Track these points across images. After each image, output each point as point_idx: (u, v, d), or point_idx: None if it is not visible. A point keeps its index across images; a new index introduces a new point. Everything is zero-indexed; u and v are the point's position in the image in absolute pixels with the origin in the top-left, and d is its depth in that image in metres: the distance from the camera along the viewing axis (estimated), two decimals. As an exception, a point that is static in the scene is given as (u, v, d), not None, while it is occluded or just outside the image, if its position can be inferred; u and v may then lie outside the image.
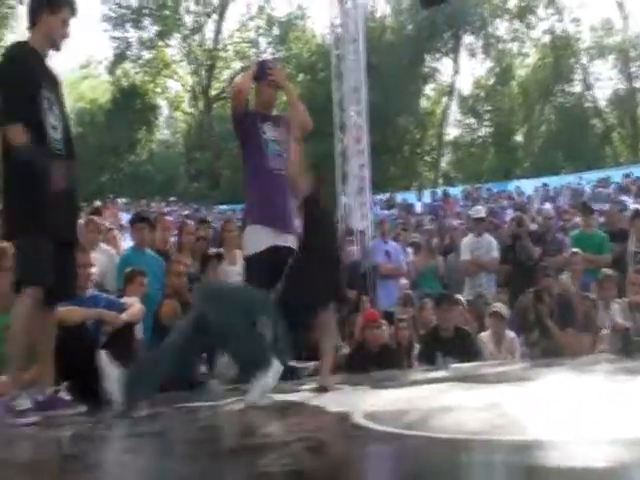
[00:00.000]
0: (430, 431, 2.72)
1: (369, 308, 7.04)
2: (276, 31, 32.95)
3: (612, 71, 32.07)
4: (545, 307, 6.41)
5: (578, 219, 9.87)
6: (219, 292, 4.22)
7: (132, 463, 2.69)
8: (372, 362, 5.58)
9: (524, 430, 2.67)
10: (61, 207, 3.74)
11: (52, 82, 3.93)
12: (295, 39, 32.78)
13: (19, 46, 3.93)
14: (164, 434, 3.26)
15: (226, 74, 32.95)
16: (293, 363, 5.21)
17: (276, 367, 3.75)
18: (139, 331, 5.15)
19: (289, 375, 4.98)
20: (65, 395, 3.98)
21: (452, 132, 34.20)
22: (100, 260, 6.13)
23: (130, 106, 30.48)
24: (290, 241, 4.93)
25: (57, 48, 3.92)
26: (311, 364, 5.59)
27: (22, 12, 27.56)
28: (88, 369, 4.39)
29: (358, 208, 11.88)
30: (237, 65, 32.46)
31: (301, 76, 30.25)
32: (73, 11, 3.95)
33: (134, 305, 4.92)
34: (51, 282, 3.68)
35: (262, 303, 4.04)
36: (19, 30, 27.15)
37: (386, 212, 13.94)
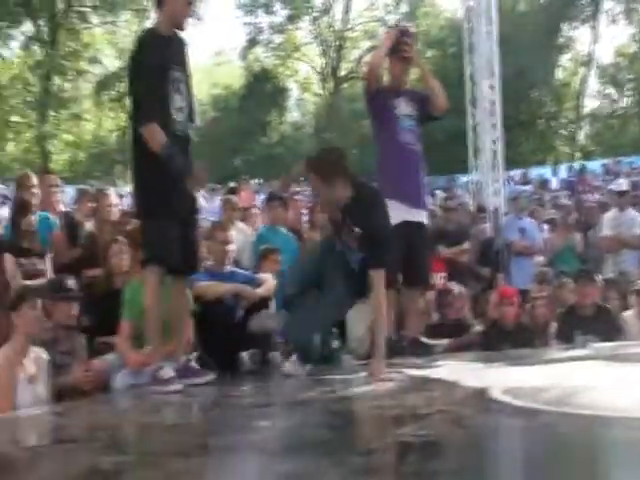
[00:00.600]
0: (570, 408, 2.66)
1: (503, 286, 6.91)
2: (404, 8, 32.57)
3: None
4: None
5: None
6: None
7: (274, 429, 2.80)
8: (507, 340, 5.48)
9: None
10: (184, 190, 3.85)
11: (180, 60, 3.95)
12: (424, 15, 32.28)
13: (147, 34, 4.01)
14: (303, 403, 3.37)
15: (355, 54, 32.96)
16: (425, 340, 5.21)
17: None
18: (272, 306, 5.31)
19: (421, 352, 5.00)
20: (195, 364, 4.20)
21: (590, 104, 32.64)
22: (237, 238, 6.36)
23: (261, 90, 31.16)
24: (421, 216, 4.92)
25: (182, 28, 3.94)
26: (444, 341, 5.57)
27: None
28: (225, 340, 4.62)
29: (491, 184, 11.64)
30: (365, 44, 32.37)
31: (430, 52, 29.76)
32: None
33: (268, 281, 5.09)
34: (176, 262, 3.83)
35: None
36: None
37: (520, 188, 13.52)
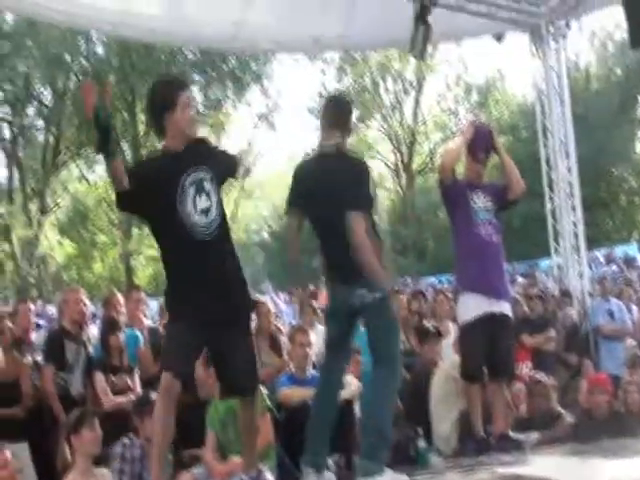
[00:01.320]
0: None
1: (593, 372, 6.69)
2: (475, 97, 33.04)
3: None
4: None
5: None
6: None
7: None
8: (601, 430, 5.26)
9: None
10: (208, 291, 3.55)
11: (202, 160, 3.67)
12: (495, 102, 32.65)
13: (146, 159, 4.06)
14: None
15: (427, 147, 33.41)
16: (514, 434, 5.07)
17: None
18: (357, 409, 5.31)
19: (511, 447, 4.87)
20: (269, 475, 4.02)
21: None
22: (318, 341, 6.44)
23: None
24: (505, 308, 4.91)
25: (192, 133, 3.71)
26: (534, 434, 5.40)
27: (237, 117, 30.33)
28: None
29: (573, 267, 11.38)
30: (437, 137, 32.82)
31: (503, 138, 29.91)
32: (184, 87, 3.74)
33: (352, 383, 5.12)
34: (181, 369, 3.49)
35: None
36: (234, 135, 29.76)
37: (605, 269, 13.21)
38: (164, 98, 3.61)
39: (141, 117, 27.03)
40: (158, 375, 3.60)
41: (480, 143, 4.98)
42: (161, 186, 3.52)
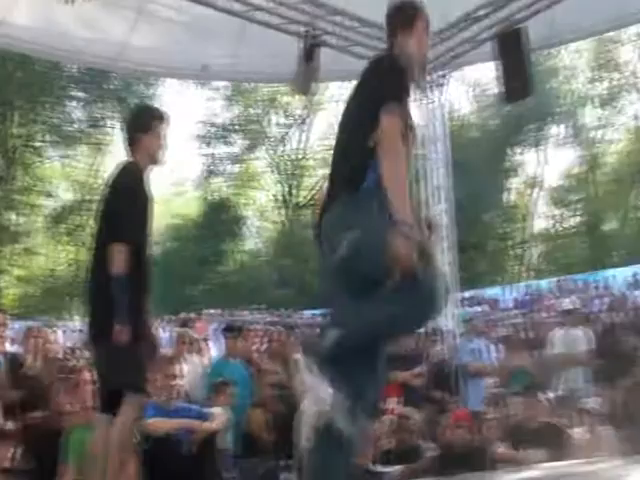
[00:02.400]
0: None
1: (457, 408, 6.93)
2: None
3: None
4: (638, 401, 6.13)
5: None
6: None
7: None
8: (460, 464, 5.45)
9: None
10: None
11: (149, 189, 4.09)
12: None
13: (134, 165, 4.09)
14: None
15: (312, 182, 33.90)
16: (376, 468, 5.17)
17: None
18: (225, 440, 5.26)
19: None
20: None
21: (540, 224, 33.77)
22: (190, 370, 6.34)
23: (218, 219, 31.67)
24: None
25: (157, 162, 4.13)
26: (397, 468, 5.53)
27: (120, 138, 29.65)
28: (175, 476, 4.54)
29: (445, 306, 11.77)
30: (322, 172, 33.37)
31: (383, 178, 30.78)
32: (165, 120, 4.18)
33: (219, 415, 5.07)
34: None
35: None
36: (119, 155, 29.00)
37: (473, 309, 13.77)
38: (143, 122, 4.09)
39: (14, 131, 25.96)
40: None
41: None
42: None
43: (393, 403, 7.35)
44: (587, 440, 5.84)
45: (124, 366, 3.69)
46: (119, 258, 3.74)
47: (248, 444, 5.90)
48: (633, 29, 27.02)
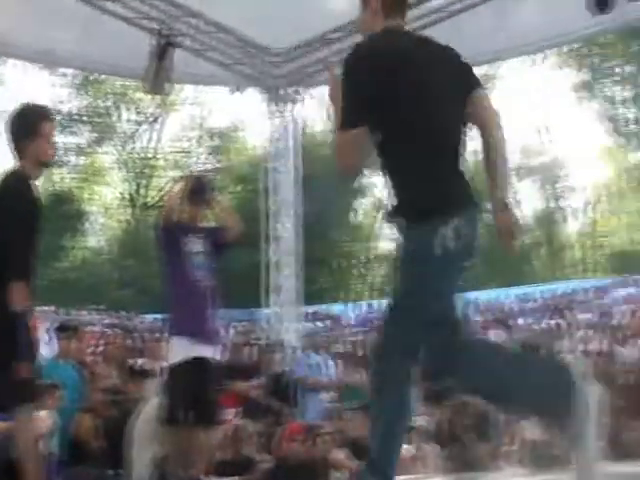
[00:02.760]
0: None
1: (292, 421, 7.01)
2: (216, 141, 33.56)
3: (534, 190, 33.72)
4: (463, 420, 6.49)
5: (499, 334, 10.16)
6: None
7: None
8: (294, 476, 5.51)
9: None
10: None
11: None
12: (234, 150, 33.45)
13: (20, 175, 3.87)
14: None
15: (161, 182, 33.18)
16: (210, 479, 5.12)
17: None
18: (50, 445, 5.02)
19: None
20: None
21: (384, 246, 34.96)
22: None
23: (58, 212, 30.21)
24: (211, 352, 4.96)
25: (48, 166, 4.05)
26: (231, 479, 5.50)
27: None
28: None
29: (287, 320, 11.93)
30: (172, 174, 32.74)
31: (238, 187, 30.71)
32: (50, 118, 4.05)
33: (44, 418, 4.85)
34: None
35: None
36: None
37: (315, 324, 14.00)
38: (28, 126, 3.85)
39: None
40: None
41: (198, 191, 5.05)
42: None
43: (230, 414, 7.33)
44: (413, 457, 6.09)
45: None
46: (21, 296, 3.61)
47: (75, 450, 5.66)
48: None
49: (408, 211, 2.67)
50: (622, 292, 15.54)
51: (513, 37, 9.71)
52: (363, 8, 2.90)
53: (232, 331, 11.95)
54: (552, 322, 9.33)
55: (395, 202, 2.75)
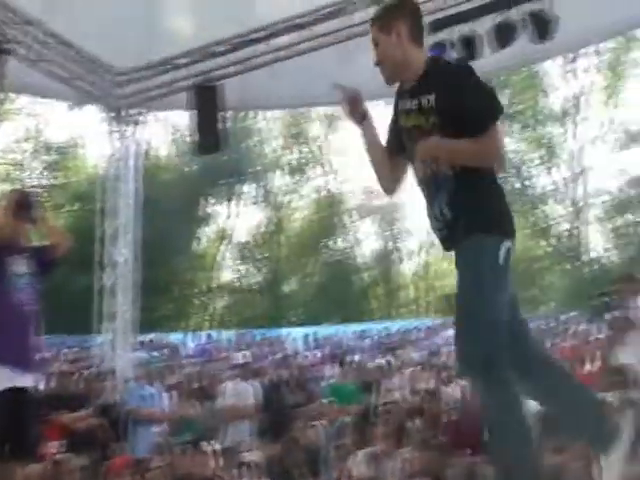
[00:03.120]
0: None
1: (120, 454, 6.74)
2: (53, 156, 31.97)
3: (373, 231, 34.98)
4: (295, 456, 6.53)
5: (334, 370, 10.35)
6: None
7: None
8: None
9: None
10: None
11: None
12: (73, 166, 32.03)
13: None
14: None
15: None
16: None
17: None
18: None
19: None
20: None
21: (227, 276, 34.80)
22: None
23: None
24: (33, 382, 4.69)
25: None
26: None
27: None
28: None
29: (120, 348, 11.51)
30: (2, 187, 30.77)
31: (76, 205, 29.46)
32: None
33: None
34: None
35: None
36: None
37: (149, 354, 13.59)
38: None
39: None
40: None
41: (24, 206, 4.79)
42: None
43: (54, 447, 6.94)
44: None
45: None
46: None
47: None
48: (322, 109, 29.78)
49: (484, 225, 2.88)
50: (450, 332, 16.33)
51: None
52: (387, 35, 3.00)
53: (63, 359, 11.33)
54: (384, 360, 9.62)
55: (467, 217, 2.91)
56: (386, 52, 3.02)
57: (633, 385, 6.54)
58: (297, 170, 34.46)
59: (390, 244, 34.56)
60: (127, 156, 11.92)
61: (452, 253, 3.05)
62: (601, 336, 7.44)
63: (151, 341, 16.81)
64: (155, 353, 14.54)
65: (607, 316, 7.56)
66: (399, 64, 3.01)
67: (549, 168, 31.55)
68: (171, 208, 28.09)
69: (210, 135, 9.92)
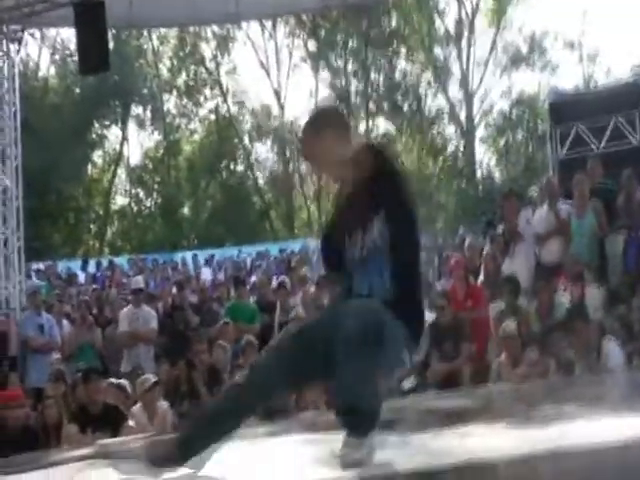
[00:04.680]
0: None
1: (14, 385, 6.60)
2: None
3: (270, 153, 34.78)
4: (198, 375, 6.59)
5: (234, 291, 10.38)
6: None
7: None
8: (13, 445, 5.19)
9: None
10: None
11: None
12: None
13: None
14: None
15: None
16: None
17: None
18: None
19: None
20: None
21: (120, 201, 33.99)
22: None
23: None
24: None
25: None
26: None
27: None
28: None
29: (8, 276, 11.14)
30: None
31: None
32: None
33: None
34: None
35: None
36: None
37: (39, 282, 13.18)
38: None
39: None
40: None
41: None
42: None
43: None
44: (147, 417, 6.04)
45: None
46: None
47: None
48: (215, 28, 28.91)
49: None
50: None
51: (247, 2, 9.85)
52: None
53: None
54: (283, 279, 9.72)
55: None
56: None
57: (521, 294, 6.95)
58: (190, 92, 33.57)
59: (290, 166, 34.56)
60: (4, 79, 11.28)
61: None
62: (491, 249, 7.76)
63: (45, 269, 16.31)
64: (50, 281, 14.15)
65: (491, 232, 7.90)
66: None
67: (440, 89, 32.12)
68: (59, 133, 26.91)
69: (95, 54, 9.47)
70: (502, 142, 31.79)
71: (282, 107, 34.12)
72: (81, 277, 15.99)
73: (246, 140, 34.40)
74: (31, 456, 4.91)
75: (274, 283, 10.29)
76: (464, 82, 31.40)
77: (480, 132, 32.28)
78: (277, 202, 34.44)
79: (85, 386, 6.00)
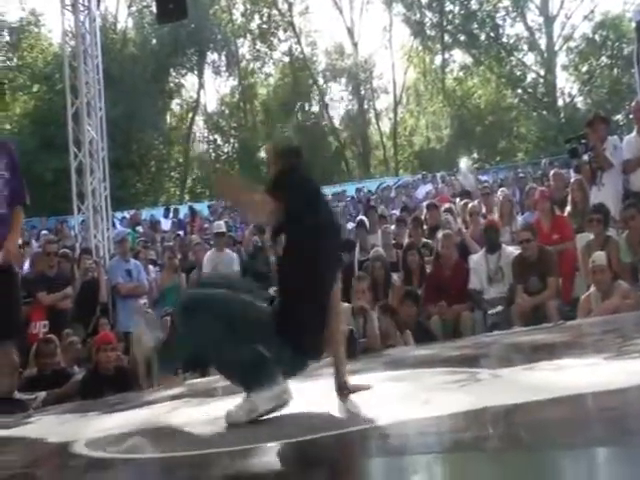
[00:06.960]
0: (148, 453, 2.68)
1: (106, 330, 6.82)
2: (7, 38, 30.55)
3: (345, 92, 34.35)
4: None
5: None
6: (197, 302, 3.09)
7: None
8: (107, 386, 5.39)
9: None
10: None
11: None
12: (29, 47, 30.68)
13: None
14: None
15: None
16: (19, 395, 4.89)
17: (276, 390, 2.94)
18: None
19: (15, 409, 4.69)
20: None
21: (198, 148, 34.34)
22: None
23: None
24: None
25: None
26: (42, 394, 5.30)
27: None
28: None
29: (97, 225, 11.49)
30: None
31: (37, 87, 28.45)
32: None
33: None
34: None
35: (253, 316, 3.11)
36: None
37: (126, 230, 13.52)
38: None
39: None
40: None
41: None
42: None
43: (39, 327, 7.02)
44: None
45: None
46: None
47: None
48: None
49: None
50: (426, 188, 16.40)
51: None
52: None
53: (41, 239, 11.29)
54: (364, 218, 9.61)
55: None
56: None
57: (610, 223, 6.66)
58: (264, 35, 33.34)
59: (365, 104, 34.07)
60: (85, 32, 11.42)
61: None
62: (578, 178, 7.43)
63: (130, 217, 16.72)
64: (137, 228, 14.53)
65: (577, 161, 7.53)
66: None
67: (519, 16, 30.76)
68: (140, 83, 27.27)
69: (172, 3, 9.46)
70: (585, 68, 30.32)
71: (355, 45, 33.55)
72: (164, 224, 16.31)
73: (320, 80, 34.05)
74: (126, 396, 5.11)
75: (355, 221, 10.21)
76: (544, 7, 29.98)
77: (561, 59, 30.88)
78: (352, 141, 34.13)
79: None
